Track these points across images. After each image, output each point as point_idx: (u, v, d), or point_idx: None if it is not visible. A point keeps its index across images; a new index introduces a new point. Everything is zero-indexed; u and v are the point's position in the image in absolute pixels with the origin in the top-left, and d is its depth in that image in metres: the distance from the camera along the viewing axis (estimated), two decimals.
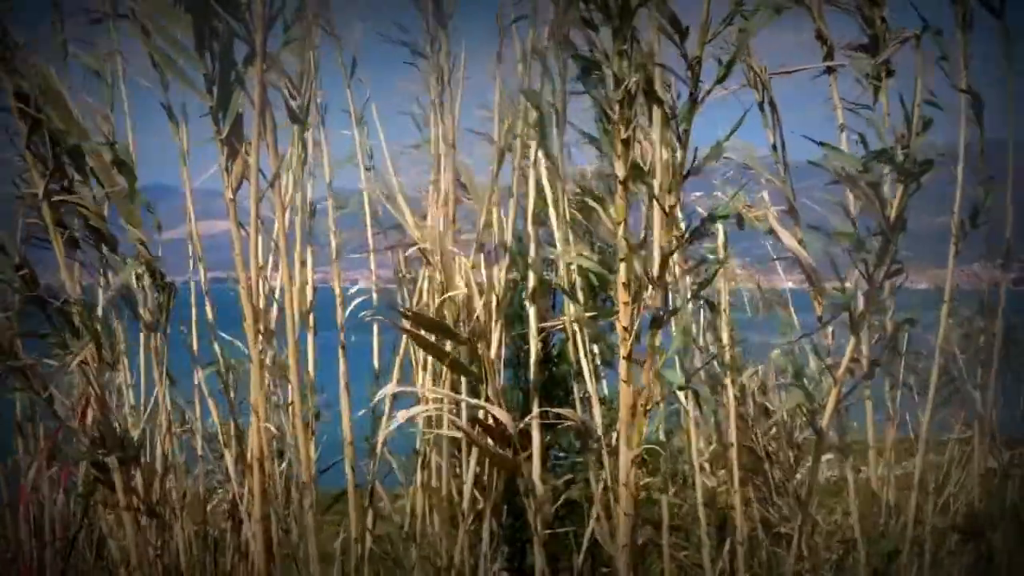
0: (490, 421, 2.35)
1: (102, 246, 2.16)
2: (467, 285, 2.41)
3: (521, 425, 2.36)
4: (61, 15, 2.40)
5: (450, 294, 2.43)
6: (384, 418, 2.65)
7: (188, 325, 2.66)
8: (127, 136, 2.56)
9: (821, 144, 2.38)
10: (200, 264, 2.56)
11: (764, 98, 2.31)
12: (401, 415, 2.29)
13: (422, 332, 2.44)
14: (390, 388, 2.40)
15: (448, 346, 2.44)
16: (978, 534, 2.53)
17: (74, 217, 2.10)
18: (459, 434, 2.44)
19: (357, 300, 2.64)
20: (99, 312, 2.13)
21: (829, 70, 2.49)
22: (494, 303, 2.45)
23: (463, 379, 2.52)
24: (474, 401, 2.38)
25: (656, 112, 1.98)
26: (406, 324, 2.47)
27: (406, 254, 2.57)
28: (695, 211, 2.34)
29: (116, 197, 1.91)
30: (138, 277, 2.27)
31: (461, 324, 2.44)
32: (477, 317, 2.39)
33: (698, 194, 2.36)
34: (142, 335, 2.54)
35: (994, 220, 2.59)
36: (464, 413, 2.51)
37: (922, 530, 2.54)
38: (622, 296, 1.97)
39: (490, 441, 2.34)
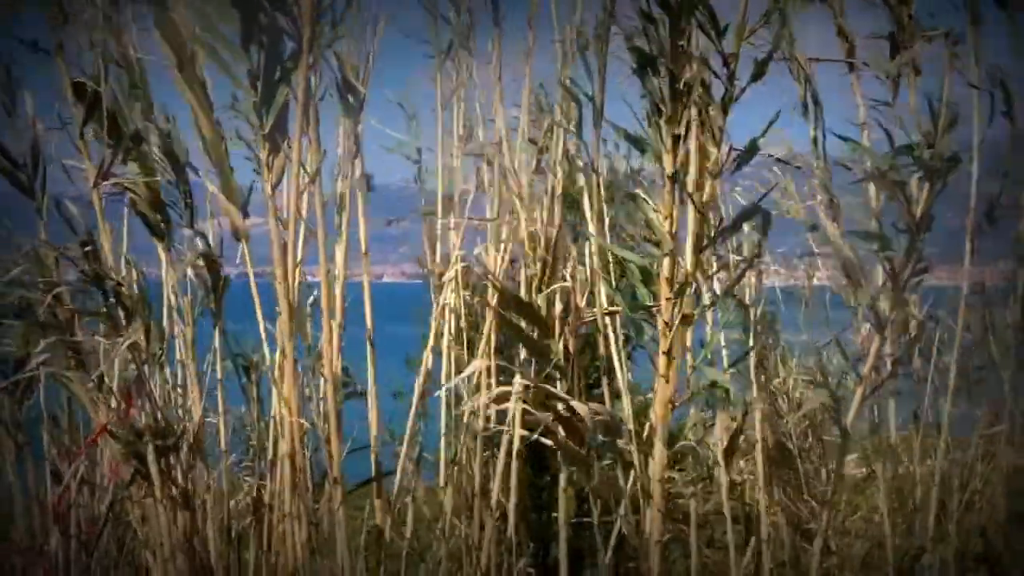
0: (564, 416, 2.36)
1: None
2: (572, 277, 2.43)
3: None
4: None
5: (558, 285, 2.44)
6: (412, 408, 2.67)
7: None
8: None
9: (845, 140, 2.41)
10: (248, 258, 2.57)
11: (807, 92, 2.32)
12: (492, 392, 2.29)
13: (515, 318, 2.45)
14: (479, 363, 2.41)
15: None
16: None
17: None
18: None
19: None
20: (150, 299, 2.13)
21: (851, 67, 2.52)
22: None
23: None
24: (560, 393, 2.37)
25: (693, 108, 2.00)
26: (500, 308, 2.47)
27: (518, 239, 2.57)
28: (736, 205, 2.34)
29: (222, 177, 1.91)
30: (195, 268, 2.28)
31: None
32: (577, 307, 2.41)
33: (742, 184, 2.37)
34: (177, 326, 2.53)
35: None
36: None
37: (945, 528, 2.56)
38: (665, 291, 1.98)
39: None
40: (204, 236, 2.09)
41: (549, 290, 2.50)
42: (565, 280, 2.50)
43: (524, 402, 2.41)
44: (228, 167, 1.96)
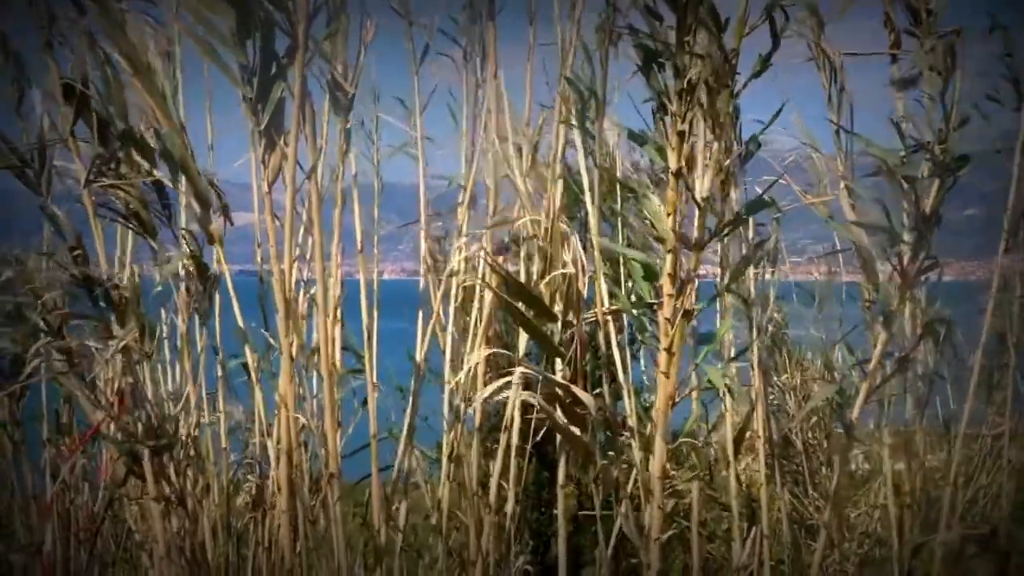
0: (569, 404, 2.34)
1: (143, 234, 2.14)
2: (574, 263, 2.40)
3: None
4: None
5: (559, 272, 2.41)
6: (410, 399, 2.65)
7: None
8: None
9: (853, 135, 2.37)
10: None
11: (834, 83, 2.28)
12: (494, 385, 2.27)
13: (520, 306, 2.41)
14: (482, 351, 2.39)
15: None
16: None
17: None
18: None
19: None
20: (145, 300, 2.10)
21: (894, 58, 2.48)
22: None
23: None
24: (563, 381, 2.34)
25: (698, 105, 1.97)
26: (508, 296, 2.44)
27: (513, 230, 2.55)
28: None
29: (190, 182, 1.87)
30: (184, 267, 2.25)
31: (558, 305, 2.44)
32: (578, 297, 2.39)
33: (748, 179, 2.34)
34: (178, 325, 2.51)
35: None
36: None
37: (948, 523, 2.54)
38: (667, 288, 1.96)
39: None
40: (192, 235, 2.06)
41: (550, 276, 2.48)
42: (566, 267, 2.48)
43: (526, 389, 2.39)
44: (196, 172, 1.92)
